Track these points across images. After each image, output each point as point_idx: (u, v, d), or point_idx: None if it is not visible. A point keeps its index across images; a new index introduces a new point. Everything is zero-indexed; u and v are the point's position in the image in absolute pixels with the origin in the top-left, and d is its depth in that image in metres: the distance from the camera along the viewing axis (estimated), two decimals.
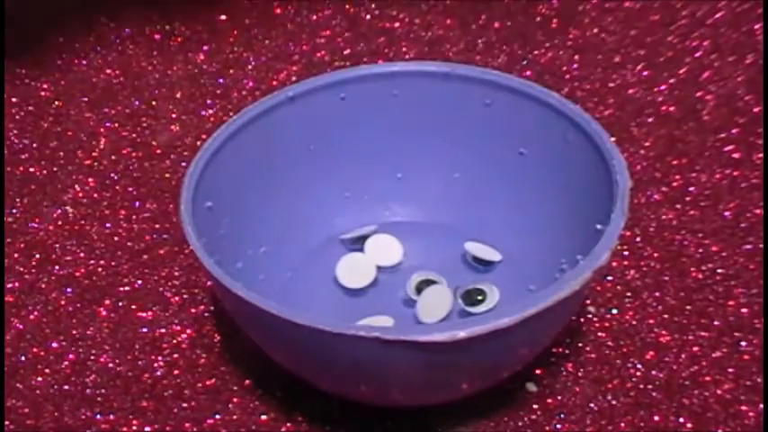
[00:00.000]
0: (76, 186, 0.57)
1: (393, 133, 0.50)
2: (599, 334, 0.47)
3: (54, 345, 0.48)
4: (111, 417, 0.44)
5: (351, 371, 0.39)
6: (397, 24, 0.69)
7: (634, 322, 0.47)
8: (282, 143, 0.48)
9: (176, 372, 0.46)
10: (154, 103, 0.63)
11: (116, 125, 0.61)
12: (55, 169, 0.58)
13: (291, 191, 0.49)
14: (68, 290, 0.51)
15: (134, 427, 0.44)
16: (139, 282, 0.51)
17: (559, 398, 0.44)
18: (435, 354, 0.37)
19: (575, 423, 0.43)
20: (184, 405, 0.44)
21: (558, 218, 0.47)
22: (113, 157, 0.59)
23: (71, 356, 0.47)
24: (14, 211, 0.55)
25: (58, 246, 0.53)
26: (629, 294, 0.49)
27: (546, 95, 0.47)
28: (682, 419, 0.43)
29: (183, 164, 0.58)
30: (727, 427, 0.42)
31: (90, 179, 0.57)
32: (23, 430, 0.44)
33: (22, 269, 0.52)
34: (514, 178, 0.49)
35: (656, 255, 0.51)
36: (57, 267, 0.52)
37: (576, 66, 0.65)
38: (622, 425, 0.43)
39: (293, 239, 0.49)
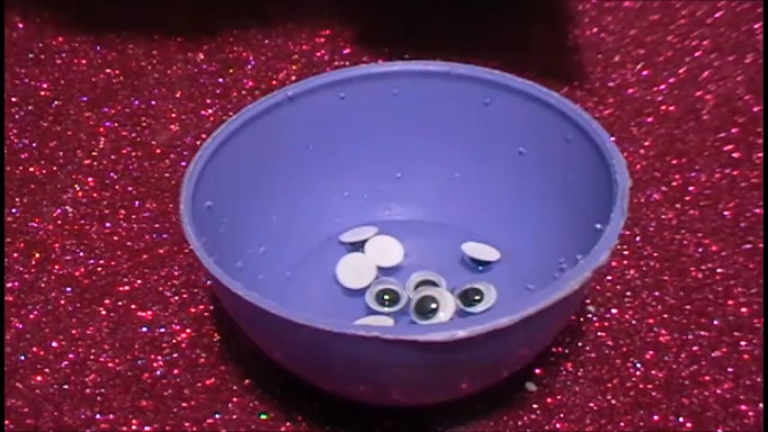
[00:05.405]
0: (76, 186, 0.57)
1: (393, 133, 0.50)
2: (599, 334, 0.47)
3: (54, 344, 0.48)
4: (111, 416, 0.44)
5: (350, 370, 0.39)
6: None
7: (634, 322, 0.47)
8: (282, 143, 0.48)
9: (176, 371, 0.46)
10: (153, 102, 0.63)
11: (116, 125, 0.61)
12: (55, 169, 0.58)
13: (291, 190, 0.49)
14: (68, 289, 0.51)
15: (134, 427, 0.44)
16: (139, 281, 0.51)
17: (559, 397, 0.44)
18: (435, 353, 0.37)
19: (574, 423, 0.43)
20: (184, 405, 0.44)
21: (558, 217, 0.47)
22: (113, 157, 0.59)
23: (71, 356, 0.47)
24: (14, 210, 0.55)
25: (57, 246, 0.53)
26: (628, 294, 0.49)
27: (546, 95, 0.47)
28: (681, 419, 0.43)
29: (183, 163, 0.58)
30: (727, 427, 0.42)
31: (90, 179, 0.57)
32: (23, 430, 0.44)
33: (21, 269, 0.52)
34: (514, 178, 0.49)
35: (655, 254, 0.51)
36: (57, 267, 0.52)
37: (575, 66, 0.65)
38: (622, 424, 0.43)
39: (293, 239, 0.49)
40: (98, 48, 0.68)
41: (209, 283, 0.50)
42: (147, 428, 0.43)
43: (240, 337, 0.46)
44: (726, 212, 0.53)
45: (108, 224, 0.54)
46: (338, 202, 0.51)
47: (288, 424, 0.43)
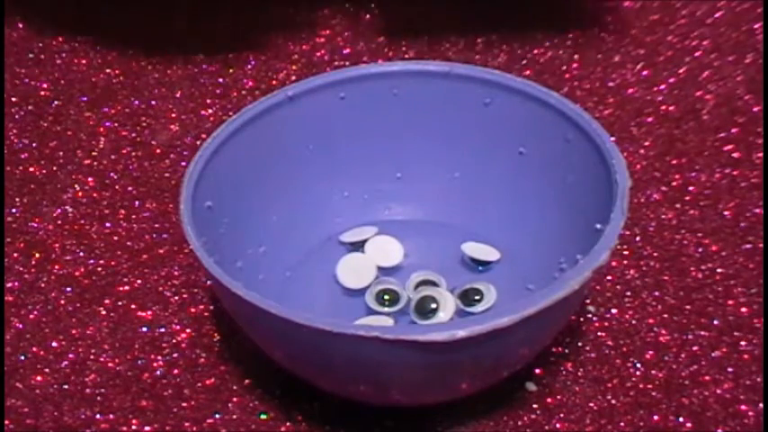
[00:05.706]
0: (76, 186, 0.57)
1: (393, 133, 0.50)
2: (599, 334, 0.47)
3: (54, 344, 0.48)
4: (111, 416, 0.44)
5: (350, 370, 0.39)
6: (396, 23, 0.69)
7: (634, 322, 0.47)
8: (282, 143, 0.48)
9: (176, 371, 0.46)
10: (153, 102, 0.63)
11: (116, 125, 0.61)
12: (54, 169, 0.58)
13: (291, 190, 0.49)
14: (68, 289, 0.51)
15: (134, 427, 0.44)
16: (139, 281, 0.51)
17: (559, 397, 0.44)
18: (435, 353, 0.37)
19: (574, 423, 0.43)
20: (184, 405, 0.44)
21: (558, 217, 0.47)
22: (113, 157, 0.59)
23: (71, 356, 0.47)
24: (14, 210, 0.55)
25: (57, 245, 0.53)
26: (628, 294, 0.49)
27: (546, 95, 0.47)
28: (681, 419, 0.43)
29: (183, 163, 0.58)
30: (727, 427, 0.42)
31: (90, 179, 0.57)
32: (23, 430, 0.44)
33: (21, 269, 0.52)
34: (514, 178, 0.49)
35: (655, 254, 0.51)
36: (56, 267, 0.52)
37: (575, 65, 0.65)
38: (622, 424, 0.43)
39: (293, 239, 0.49)
40: (98, 48, 0.68)
41: (209, 283, 0.50)
42: (147, 428, 0.43)
43: (240, 337, 0.46)
44: (726, 212, 0.53)
45: (108, 224, 0.54)
46: (338, 202, 0.51)
47: (288, 424, 0.43)
